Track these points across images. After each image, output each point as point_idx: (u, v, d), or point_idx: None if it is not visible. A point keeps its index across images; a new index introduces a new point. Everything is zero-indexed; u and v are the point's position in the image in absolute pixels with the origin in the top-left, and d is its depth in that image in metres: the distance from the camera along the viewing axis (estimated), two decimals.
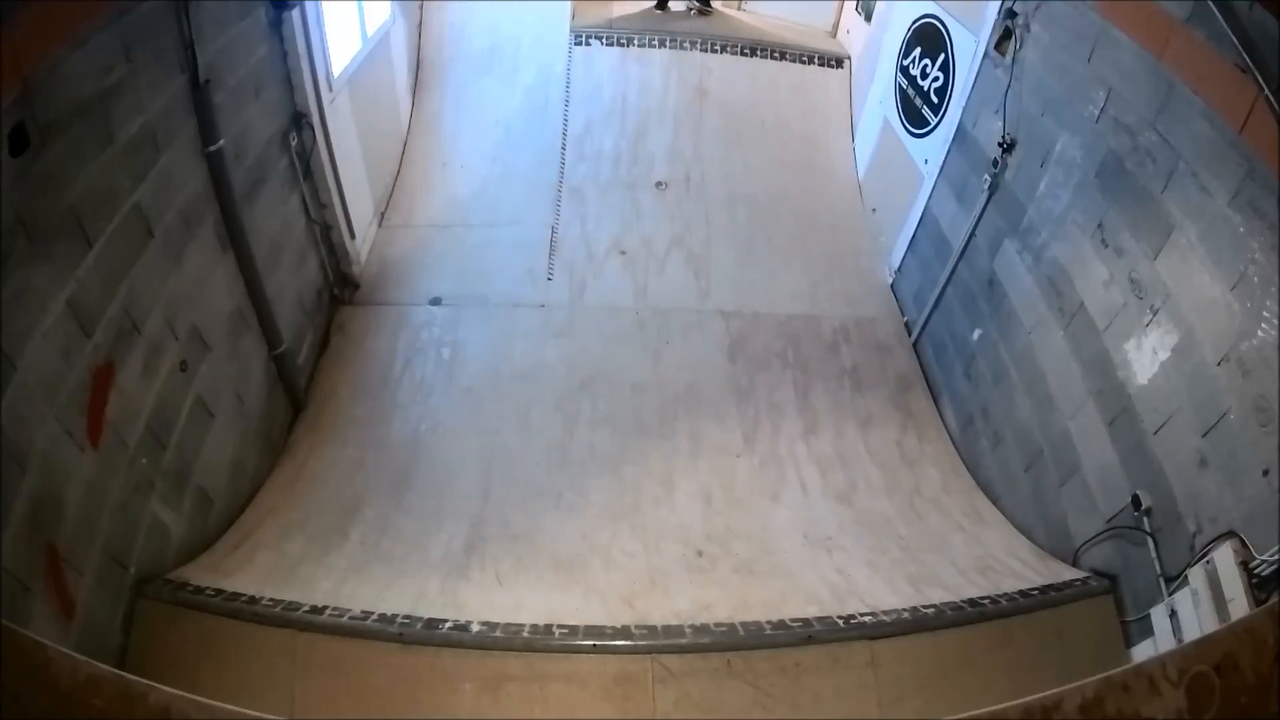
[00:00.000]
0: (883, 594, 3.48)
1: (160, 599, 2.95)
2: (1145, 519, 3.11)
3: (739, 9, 8.12)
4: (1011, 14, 4.30)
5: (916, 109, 5.71)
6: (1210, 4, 2.69)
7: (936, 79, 5.41)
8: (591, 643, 3.08)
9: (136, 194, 2.88)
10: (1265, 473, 2.54)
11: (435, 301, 5.55)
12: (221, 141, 3.45)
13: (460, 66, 7.13)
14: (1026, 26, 4.19)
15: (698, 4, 7.68)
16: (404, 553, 3.78)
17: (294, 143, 4.46)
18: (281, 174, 4.39)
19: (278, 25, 4.17)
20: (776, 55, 7.28)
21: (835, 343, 5.49)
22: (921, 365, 5.38)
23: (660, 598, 3.53)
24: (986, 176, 4.50)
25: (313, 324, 4.99)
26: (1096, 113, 3.56)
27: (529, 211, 6.24)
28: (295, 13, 4.25)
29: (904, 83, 5.96)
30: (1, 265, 2.21)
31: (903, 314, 5.73)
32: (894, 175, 6.09)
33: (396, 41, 6.47)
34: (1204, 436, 2.84)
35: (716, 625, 3.20)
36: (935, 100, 5.41)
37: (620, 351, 5.28)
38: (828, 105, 7.20)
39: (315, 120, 4.66)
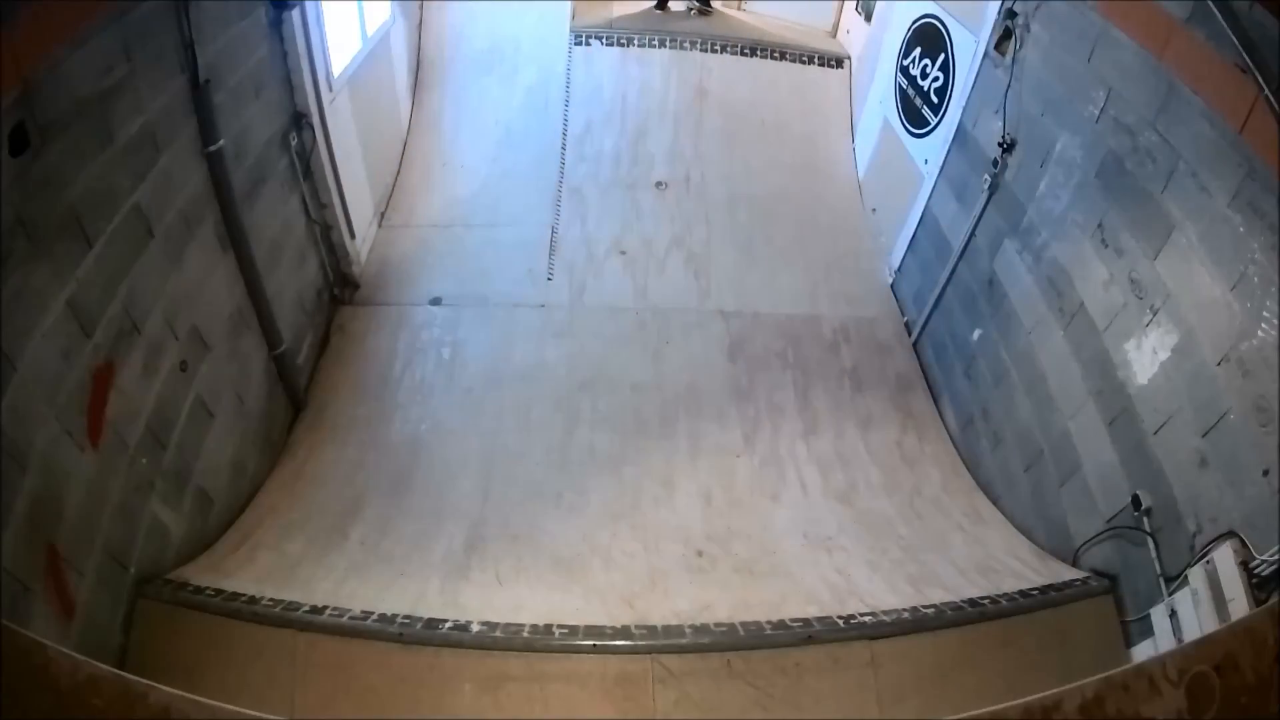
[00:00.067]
0: (883, 594, 3.48)
1: (160, 599, 2.95)
2: (1145, 519, 3.11)
3: (739, 9, 8.12)
4: (1011, 14, 4.30)
5: (916, 109, 5.71)
6: (1210, 4, 2.69)
7: (936, 79, 5.41)
8: (591, 643, 3.08)
9: (136, 194, 2.88)
10: (1265, 473, 2.54)
11: (435, 301, 5.55)
12: (221, 141, 3.45)
13: (460, 66, 7.13)
14: (1026, 26, 4.19)
15: (698, 4, 7.68)
16: (404, 553, 3.78)
17: (294, 143, 4.47)
18: (281, 174, 4.39)
19: (278, 25, 4.17)
20: (776, 55, 7.28)
21: (835, 343, 5.49)
22: (921, 365, 5.38)
23: (660, 598, 3.53)
24: (986, 176, 4.50)
25: (313, 324, 4.99)
26: (1096, 113, 3.56)
27: (529, 211, 6.24)
28: (295, 13, 4.25)
29: (904, 83, 5.96)
30: (1, 265, 2.21)
31: (903, 314, 5.73)
32: (894, 175, 6.09)
33: (396, 41, 6.47)
34: (1204, 436, 2.84)
35: (716, 625, 3.20)
36: (935, 100, 5.41)
37: (620, 351, 5.28)
38: (828, 105, 7.20)
39: (315, 120, 4.66)
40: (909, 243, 5.70)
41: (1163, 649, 2.81)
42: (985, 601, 3.30)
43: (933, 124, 5.44)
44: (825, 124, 7.13)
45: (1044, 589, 3.37)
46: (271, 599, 3.09)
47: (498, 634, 3.05)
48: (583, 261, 5.92)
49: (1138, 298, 3.24)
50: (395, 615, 3.08)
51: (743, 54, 7.23)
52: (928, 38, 5.59)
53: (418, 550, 3.80)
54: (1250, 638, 1.02)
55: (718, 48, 7.20)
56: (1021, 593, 3.35)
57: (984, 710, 1.02)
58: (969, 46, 4.93)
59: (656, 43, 7.14)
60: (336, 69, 5.04)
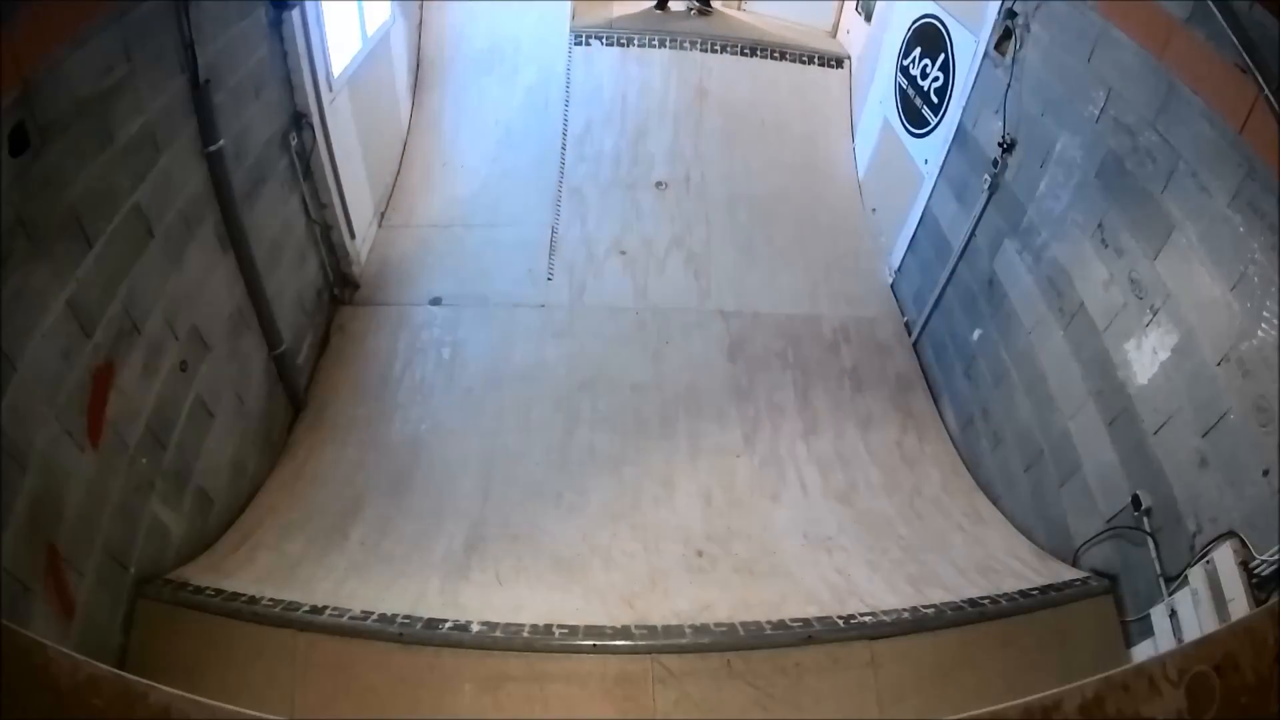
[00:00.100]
0: (883, 594, 3.48)
1: (160, 599, 2.95)
2: (1145, 519, 3.11)
3: (739, 9, 8.12)
4: (1011, 14, 4.30)
5: (916, 109, 5.71)
6: (1210, 4, 2.69)
7: (936, 79, 5.41)
8: (591, 643, 3.08)
9: (136, 194, 2.88)
10: (1265, 473, 2.54)
11: (435, 301, 5.55)
12: (221, 141, 3.45)
13: (460, 66, 7.13)
14: (1026, 26, 4.19)
15: (698, 4, 7.68)
16: (404, 553, 3.78)
17: (294, 143, 4.47)
18: (281, 174, 4.39)
19: (278, 25, 4.17)
20: (776, 55, 7.28)
21: (835, 343, 5.49)
22: (921, 365, 5.38)
23: (660, 598, 3.53)
24: (986, 176, 4.50)
25: (313, 324, 4.99)
26: (1096, 113, 3.56)
27: (529, 211, 6.24)
28: (295, 13, 4.25)
29: (904, 83, 5.96)
30: (1, 265, 2.21)
31: (903, 314, 5.73)
32: (894, 175, 6.09)
33: (396, 41, 6.47)
34: (1204, 436, 2.84)
35: (716, 625, 3.20)
36: (935, 100, 5.41)
37: (620, 351, 5.28)
38: (828, 105, 7.20)
39: (315, 120, 4.66)
40: (909, 243, 5.70)
41: (1163, 649, 2.81)
42: (985, 601, 3.30)
43: (933, 124, 5.44)
44: (825, 124, 7.13)
45: (1044, 589, 3.37)
46: (271, 599, 3.09)
47: (498, 634, 3.05)
48: (583, 261, 5.92)
49: (1138, 298, 3.24)
50: (395, 615, 3.08)
51: (743, 54, 7.23)
52: (928, 38, 5.59)
53: (418, 550, 3.80)
54: (1250, 638, 1.02)
55: (718, 48, 7.19)
56: (1021, 593, 3.35)
57: (984, 710, 1.02)
58: (969, 46, 4.93)
59: (656, 43, 7.14)
60: (336, 69, 5.04)
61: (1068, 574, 3.47)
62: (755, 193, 6.55)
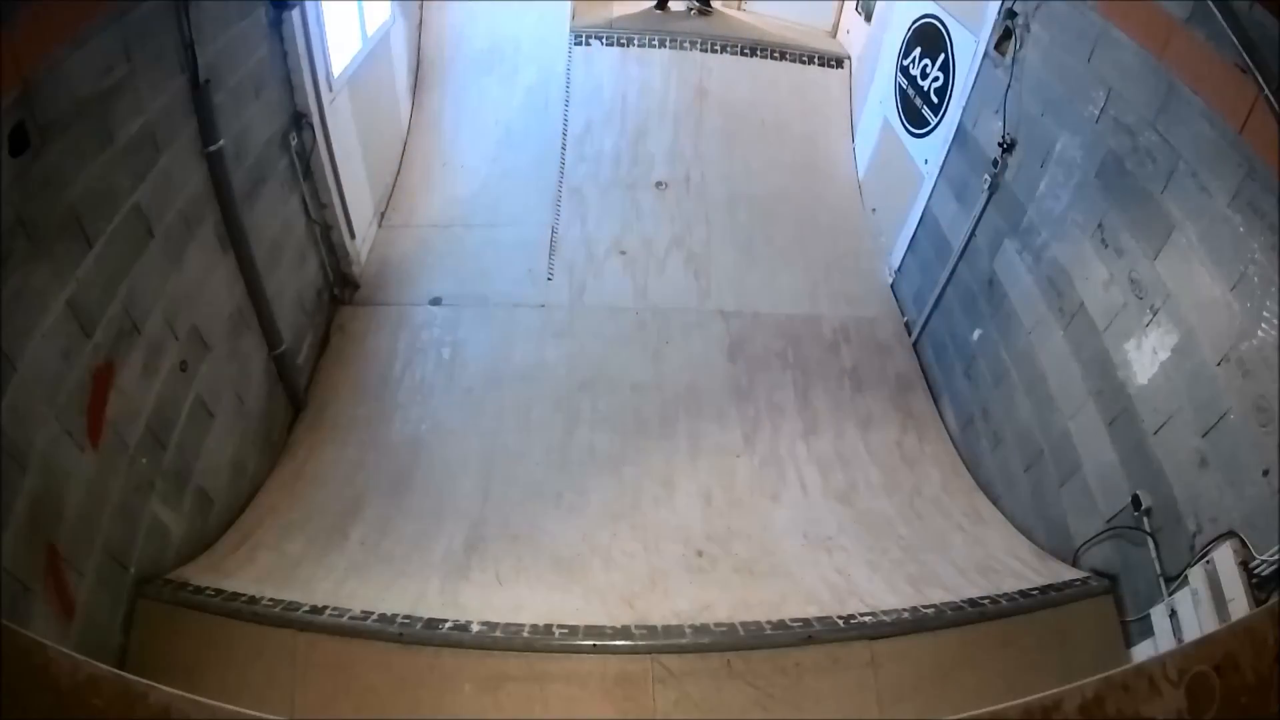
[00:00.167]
0: (883, 594, 3.48)
1: (160, 599, 2.95)
2: (1145, 519, 3.11)
3: (739, 9, 8.12)
4: (1011, 14, 4.30)
5: (916, 109, 5.71)
6: (1210, 4, 2.69)
7: (936, 79, 5.41)
8: (591, 643, 3.08)
9: (136, 194, 2.88)
10: (1265, 473, 2.54)
11: (435, 301, 5.55)
12: (221, 141, 3.45)
13: (460, 66, 7.13)
14: (1026, 26, 4.19)
15: (698, 4, 7.68)
16: (404, 553, 3.78)
17: (294, 143, 4.47)
18: (281, 174, 4.39)
19: (278, 25, 4.17)
20: (776, 55, 7.28)
21: (835, 343, 5.49)
22: (921, 365, 5.38)
23: (660, 598, 3.53)
24: (986, 176, 4.50)
25: (313, 324, 4.99)
26: (1096, 113, 3.56)
27: (529, 211, 6.24)
28: (295, 13, 4.25)
29: (904, 83, 5.96)
30: (1, 265, 2.21)
31: (903, 314, 5.73)
32: (894, 175, 6.09)
33: (396, 41, 6.47)
34: (1204, 436, 2.84)
35: (716, 625, 3.20)
36: (935, 100, 5.41)
37: (620, 351, 5.28)
38: (828, 105, 7.20)
39: (315, 120, 4.66)
40: (909, 243, 5.70)
41: (1163, 649, 2.81)
42: (985, 601, 3.30)
43: (933, 124, 5.44)
44: (825, 124, 7.13)
45: (1044, 589, 3.37)
46: (271, 599, 3.09)
47: (498, 634, 3.05)
48: (583, 261, 5.92)
49: (1138, 298, 3.24)
50: (395, 615, 3.08)
51: (743, 54, 7.23)
52: (928, 38, 5.59)
53: (418, 550, 3.80)
54: (1250, 638, 1.02)
55: (718, 48, 7.19)
56: (1021, 593, 3.35)
57: (984, 710, 1.02)
58: (969, 46, 4.93)
59: (656, 43, 7.14)
60: (336, 69, 5.04)
61: (1068, 574, 3.47)
62: (755, 193, 6.55)
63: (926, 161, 5.48)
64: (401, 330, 5.33)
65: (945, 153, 5.16)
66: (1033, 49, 4.15)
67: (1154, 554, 3.03)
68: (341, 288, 5.43)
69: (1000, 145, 4.35)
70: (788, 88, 7.23)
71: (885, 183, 6.34)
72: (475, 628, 3.05)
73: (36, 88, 2.30)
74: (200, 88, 3.29)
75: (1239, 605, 2.46)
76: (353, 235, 5.43)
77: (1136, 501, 3.14)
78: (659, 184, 6.52)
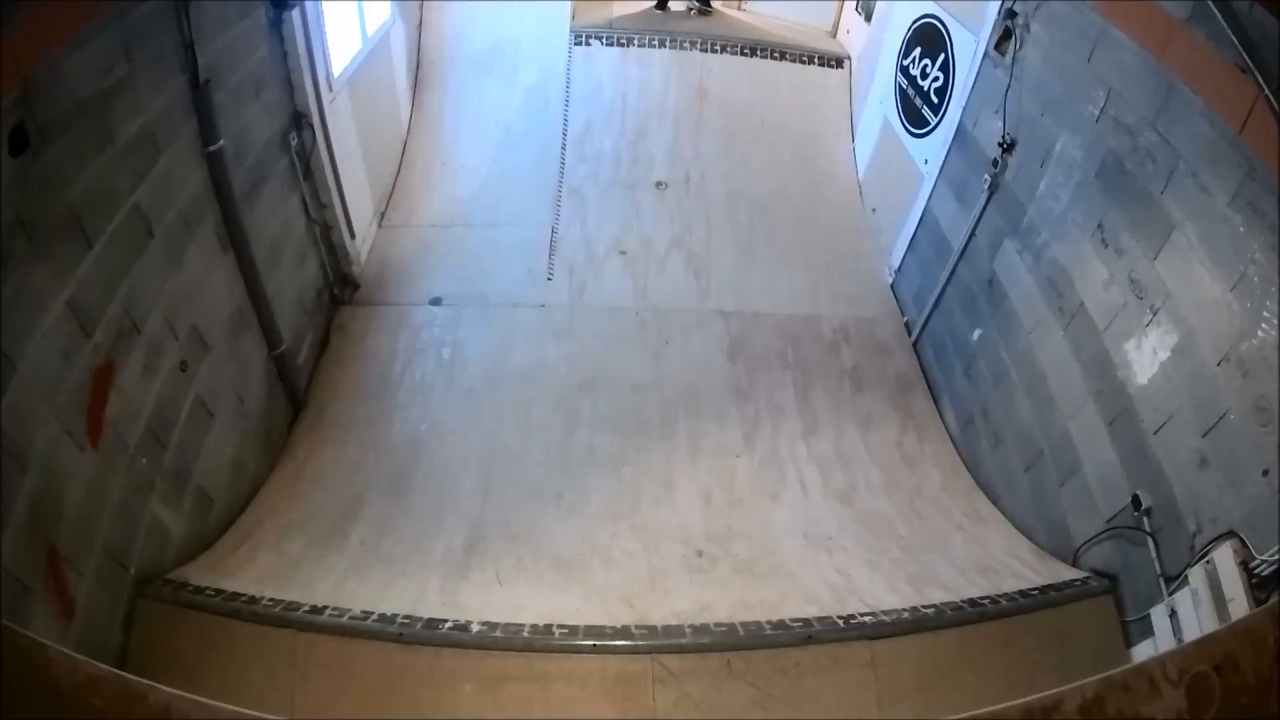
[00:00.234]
0: (883, 594, 3.48)
1: (160, 599, 2.95)
2: (1145, 519, 3.11)
3: (739, 9, 8.12)
4: (1011, 14, 4.30)
5: (916, 109, 5.71)
6: (1210, 4, 2.69)
7: (936, 79, 5.41)
8: (591, 643, 3.08)
9: (136, 194, 2.88)
10: (1265, 473, 2.54)
11: (435, 301, 5.55)
12: (221, 141, 3.45)
13: (460, 66, 7.13)
14: (1026, 26, 4.19)
15: (698, 4, 7.68)
16: (404, 553, 3.77)
17: (294, 143, 4.47)
18: (281, 174, 4.39)
19: (278, 25, 4.17)
20: (776, 55, 7.28)
21: (835, 343, 5.49)
22: (921, 365, 5.38)
23: (660, 598, 3.53)
24: (986, 176, 4.50)
25: (313, 324, 4.99)
26: (1096, 113, 3.56)
27: (529, 211, 6.24)
28: (295, 13, 4.25)
29: (904, 83, 5.96)
30: (1, 265, 2.21)
31: (903, 314, 5.73)
32: (894, 175, 6.09)
33: (396, 41, 6.47)
34: (1204, 436, 2.84)
35: (716, 625, 3.20)
36: (935, 100, 5.41)
37: (620, 351, 5.28)
38: (828, 105, 7.20)
39: (315, 120, 4.66)
40: (909, 243, 5.70)
41: (1163, 649, 2.81)
42: (985, 601, 3.30)
43: (933, 124, 5.44)
44: (825, 124, 7.13)
45: (1044, 589, 3.37)
46: (271, 599, 3.08)
47: (498, 634, 3.04)
48: (583, 261, 5.92)
49: (1138, 298, 3.24)
50: (395, 615, 3.08)
51: (743, 54, 7.23)
52: (928, 38, 5.59)
53: (418, 550, 3.80)
54: (1250, 638, 1.02)
55: (718, 48, 7.19)
56: (1021, 593, 3.35)
57: (984, 710, 1.02)
58: (969, 46, 4.93)
59: (656, 43, 7.14)
60: (336, 69, 5.04)
61: (1068, 574, 3.47)
62: (755, 193, 6.55)
63: (926, 161, 5.48)
64: (401, 330, 5.33)
65: (945, 153, 5.16)
66: (1033, 49, 4.15)
67: (1154, 554, 3.03)
68: (341, 288, 5.43)
69: (1000, 145, 4.35)
70: (788, 88, 7.23)
71: (885, 183, 6.34)
72: (475, 628, 3.05)
73: (36, 88, 2.30)
74: (200, 88, 3.29)
75: (1239, 605, 2.46)
76: (353, 235, 5.43)
77: (1136, 501, 3.14)
78: (659, 184, 6.52)
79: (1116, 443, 3.35)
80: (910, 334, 5.56)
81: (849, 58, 7.35)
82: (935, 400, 5.14)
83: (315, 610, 3.06)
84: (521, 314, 5.51)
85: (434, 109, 6.93)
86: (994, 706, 1.02)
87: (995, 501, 4.30)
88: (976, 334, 4.65)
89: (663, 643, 3.09)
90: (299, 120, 4.52)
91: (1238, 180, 2.71)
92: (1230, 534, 2.65)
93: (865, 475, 4.56)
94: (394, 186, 6.40)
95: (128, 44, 2.77)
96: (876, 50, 6.61)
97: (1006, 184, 4.38)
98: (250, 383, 4.02)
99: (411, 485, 4.28)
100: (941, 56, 5.35)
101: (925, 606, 3.29)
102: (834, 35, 7.83)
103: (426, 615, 3.12)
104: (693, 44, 7.16)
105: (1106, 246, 3.46)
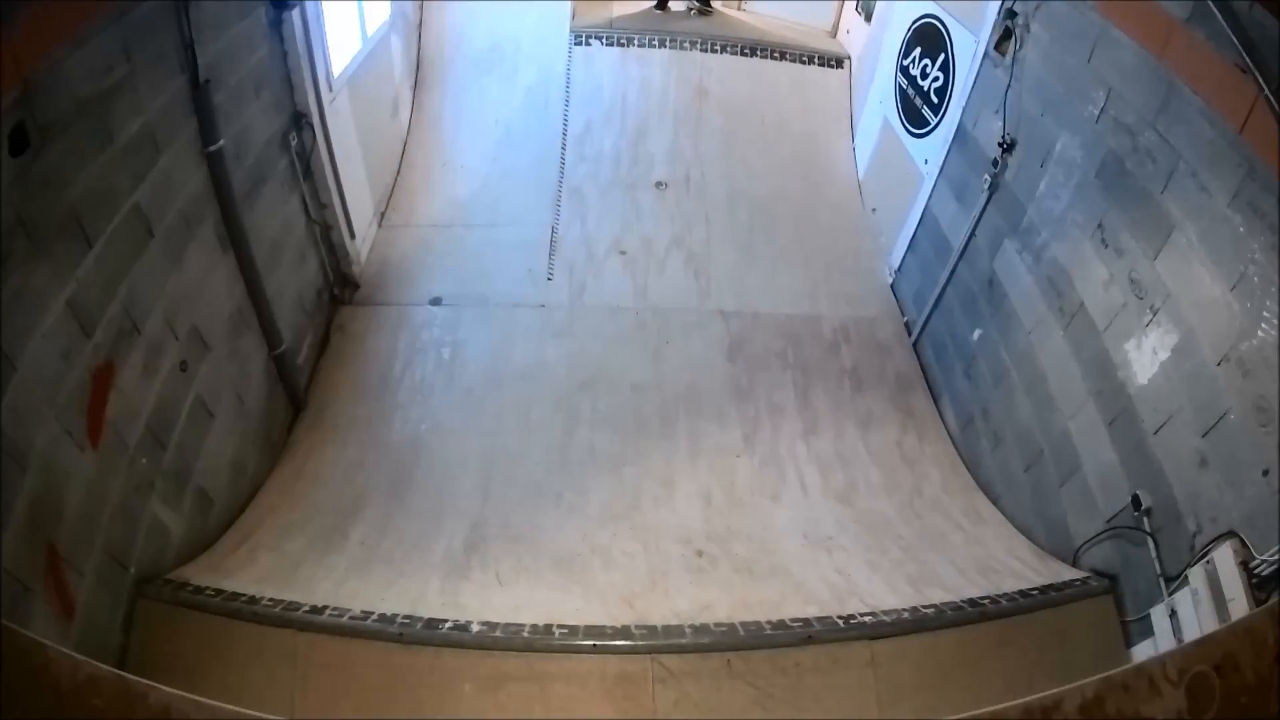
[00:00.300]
0: (883, 594, 3.48)
1: (160, 599, 2.95)
2: (1145, 519, 3.11)
3: (739, 9, 8.12)
4: (1011, 14, 4.30)
5: (916, 109, 5.71)
6: (1210, 4, 2.69)
7: (936, 79, 5.41)
8: (591, 643, 3.08)
9: (136, 194, 2.88)
10: (1265, 473, 2.54)
11: (435, 301, 5.55)
12: (221, 141, 3.45)
13: (460, 66, 7.13)
14: (1026, 26, 4.19)
15: (698, 4, 7.67)
16: (404, 553, 3.77)
17: (294, 143, 4.47)
18: (281, 174, 4.39)
19: (278, 25, 4.17)
20: (776, 55, 7.28)
21: (835, 343, 5.49)
22: (921, 365, 5.38)
23: (660, 598, 3.53)
24: (986, 176, 4.50)
25: (313, 324, 4.99)
26: (1096, 113, 3.56)
27: (529, 211, 6.24)
28: (295, 13, 4.25)
29: (904, 83, 5.96)
30: (1, 265, 2.21)
31: (903, 314, 5.73)
32: (894, 175, 6.09)
33: (396, 41, 6.48)
34: (1204, 436, 2.84)
35: (716, 625, 3.20)
36: (935, 100, 5.41)
37: (620, 351, 5.28)
38: (828, 105, 7.20)
39: (315, 120, 4.66)
40: (909, 243, 5.70)
41: (1163, 649, 2.81)
42: (985, 601, 3.30)
43: (933, 124, 5.44)
44: (825, 124, 7.13)
45: (1044, 589, 3.37)
46: (271, 599, 3.08)
47: (498, 634, 3.04)
48: (583, 261, 5.92)
49: (1138, 298, 3.24)
50: (395, 615, 3.08)
51: (743, 54, 7.23)
52: (928, 38, 5.59)
53: (418, 550, 3.80)
54: (1250, 638, 1.02)
55: (718, 48, 7.19)
56: (1021, 593, 3.35)
57: (984, 710, 1.02)
58: (969, 46, 4.93)
59: (656, 43, 7.13)
60: (336, 69, 5.04)
61: (1068, 574, 3.47)
62: (755, 192, 6.55)
63: (926, 161, 5.48)
64: (401, 330, 5.33)
65: (945, 153, 5.16)
66: (1033, 49, 4.15)
67: (1154, 554, 3.03)
68: (341, 288, 5.43)
69: (1000, 145, 4.35)
70: (788, 88, 7.22)
71: (885, 183, 6.34)
72: (475, 628, 3.05)
73: (36, 88, 2.30)
74: (200, 88, 3.29)
75: (1239, 605, 2.46)
76: (353, 235, 5.43)
77: (1136, 501, 3.14)
78: (659, 184, 6.52)
79: (1116, 443, 3.35)
80: (910, 334, 5.56)
81: (849, 58, 7.35)
82: (935, 400, 5.14)
83: (315, 610, 3.06)
84: (521, 314, 5.51)
85: (434, 109, 6.93)
86: (994, 706, 1.02)
87: (995, 501, 4.30)
88: (976, 334, 4.65)
89: (663, 643, 3.09)
90: (299, 120, 4.52)
91: (1238, 180, 2.71)
92: (1230, 534, 2.65)
93: (865, 475, 4.56)
94: (394, 186, 6.40)
95: (128, 44, 2.77)
96: (876, 50, 6.60)
97: (1006, 184, 4.38)
98: (250, 383, 4.02)
99: (411, 485, 4.28)
100: (941, 56, 5.35)
101: (925, 606, 3.29)
102: (834, 35, 7.83)
103: (426, 615, 3.12)
104: (693, 44, 7.16)
105: (1106, 246, 3.46)
